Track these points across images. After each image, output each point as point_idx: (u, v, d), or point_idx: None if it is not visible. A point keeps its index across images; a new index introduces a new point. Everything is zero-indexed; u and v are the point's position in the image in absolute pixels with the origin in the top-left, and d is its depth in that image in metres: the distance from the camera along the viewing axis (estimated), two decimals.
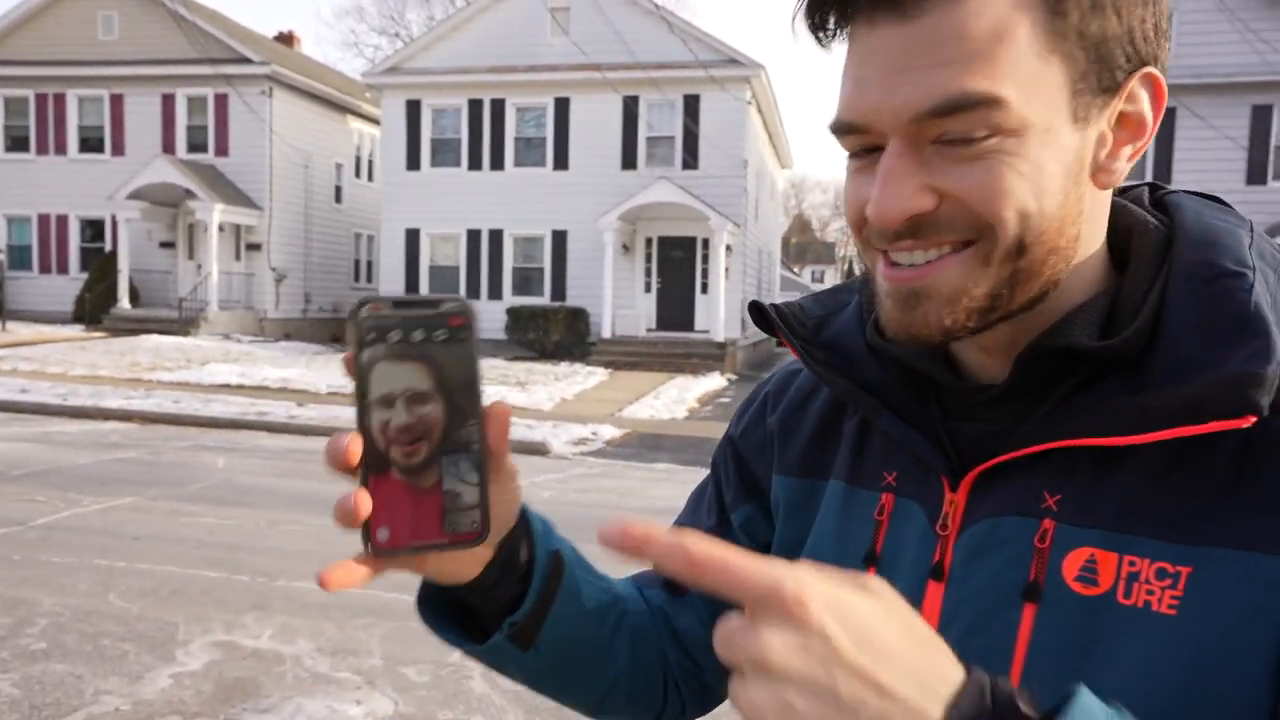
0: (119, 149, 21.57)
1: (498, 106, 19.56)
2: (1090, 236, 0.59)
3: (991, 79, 0.52)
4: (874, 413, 0.66)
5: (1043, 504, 0.57)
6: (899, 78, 0.53)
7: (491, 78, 19.28)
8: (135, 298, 20.81)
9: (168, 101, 21.30)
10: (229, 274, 21.02)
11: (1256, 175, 17.23)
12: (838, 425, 0.71)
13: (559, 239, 19.46)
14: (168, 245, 21.60)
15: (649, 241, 19.60)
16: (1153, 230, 0.61)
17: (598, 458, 9.57)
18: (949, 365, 0.64)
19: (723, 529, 0.77)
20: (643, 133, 19.08)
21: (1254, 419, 0.51)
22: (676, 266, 19.58)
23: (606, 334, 18.27)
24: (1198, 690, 0.51)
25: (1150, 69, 0.56)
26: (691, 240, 19.35)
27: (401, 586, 5.84)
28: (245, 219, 20.84)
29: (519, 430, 9.92)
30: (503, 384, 13.93)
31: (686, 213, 18.31)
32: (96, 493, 6.97)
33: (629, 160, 19.16)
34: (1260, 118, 17.15)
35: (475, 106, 19.62)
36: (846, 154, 0.60)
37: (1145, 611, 0.52)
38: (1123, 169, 0.57)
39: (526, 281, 19.69)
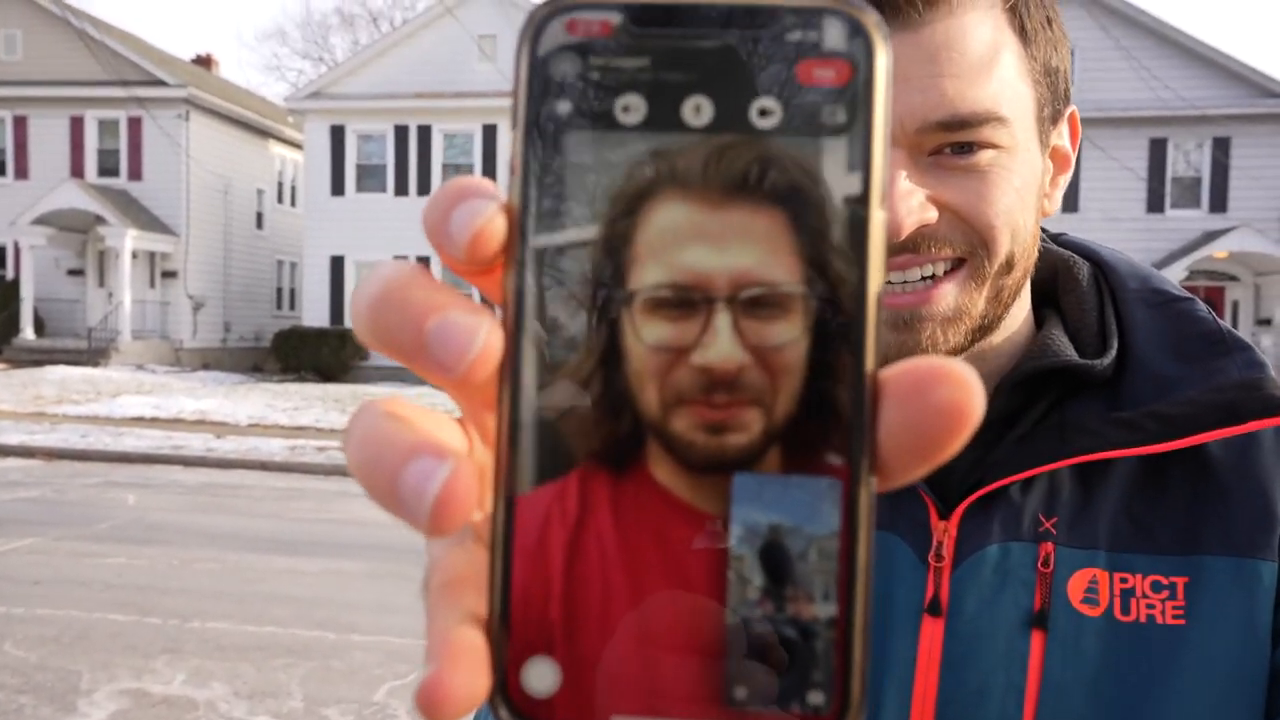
0: (22, 172, 20.62)
1: (424, 132, 19.40)
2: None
3: (992, 96, 0.54)
4: None
5: (1039, 527, 0.57)
6: (903, 85, 0.53)
7: (418, 103, 19.13)
8: (40, 328, 19.85)
9: (76, 124, 20.48)
10: (143, 302, 20.23)
11: (1155, 204, 18.20)
12: None
13: None
14: (76, 273, 20.72)
15: None
16: (1080, 264, 0.65)
17: None
18: None
19: None
20: None
21: None
22: None
23: None
24: (1225, 696, 0.52)
25: (1073, 107, 0.61)
26: None
27: (324, 624, 5.59)
28: (160, 245, 20.12)
29: None
30: None
31: None
32: None
33: None
34: (1156, 150, 18.15)
35: (401, 132, 19.42)
36: None
37: (1150, 625, 0.53)
38: (1058, 200, 0.61)
39: None
